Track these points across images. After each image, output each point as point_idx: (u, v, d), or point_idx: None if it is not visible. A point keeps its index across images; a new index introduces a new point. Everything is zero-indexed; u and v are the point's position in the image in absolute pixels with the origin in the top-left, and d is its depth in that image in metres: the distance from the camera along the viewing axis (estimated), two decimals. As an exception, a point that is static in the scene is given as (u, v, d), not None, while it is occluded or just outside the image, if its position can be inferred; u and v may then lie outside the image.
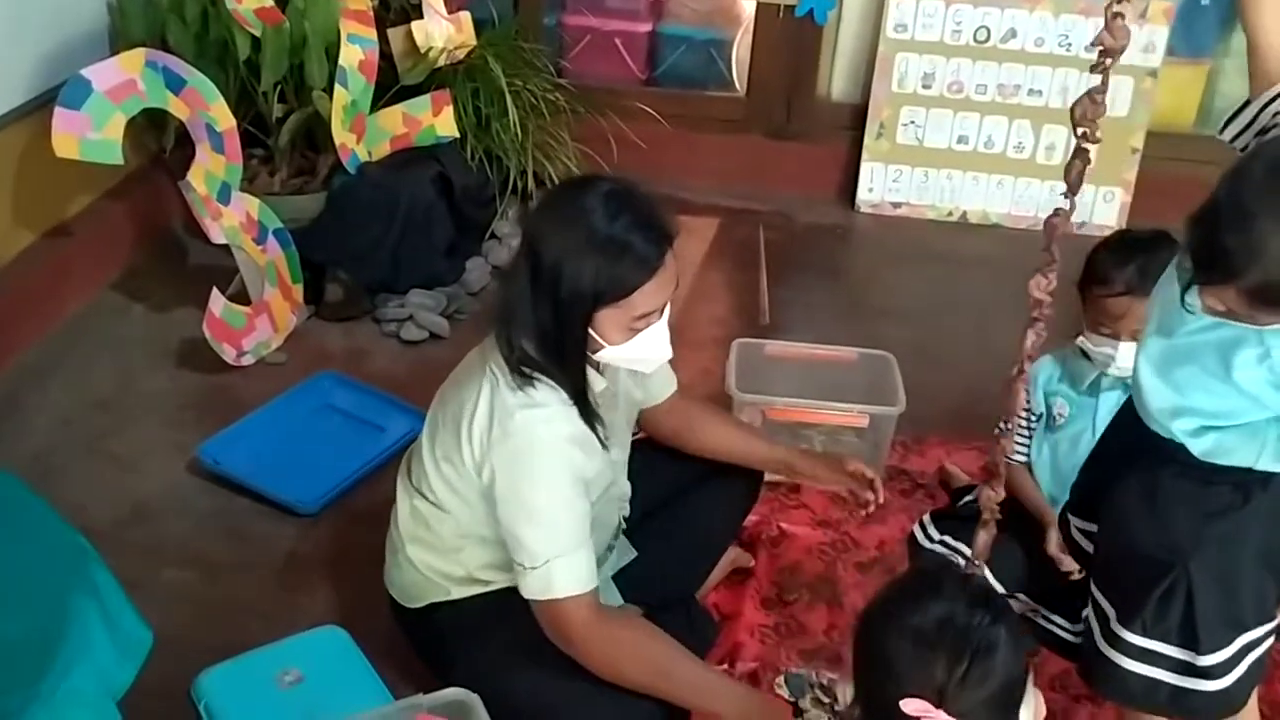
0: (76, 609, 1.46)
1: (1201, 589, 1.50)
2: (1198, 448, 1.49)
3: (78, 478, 2.42)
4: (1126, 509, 1.62)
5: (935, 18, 3.68)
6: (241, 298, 2.83)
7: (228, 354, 2.75)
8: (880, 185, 3.85)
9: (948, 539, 2.20)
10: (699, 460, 2.03)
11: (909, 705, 1.13)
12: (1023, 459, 2.17)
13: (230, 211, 2.79)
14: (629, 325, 1.64)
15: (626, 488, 1.92)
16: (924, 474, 2.57)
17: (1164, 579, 1.52)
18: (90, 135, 2.61)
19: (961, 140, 3.79)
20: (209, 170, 2.75)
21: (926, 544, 2.24)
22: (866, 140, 3.80)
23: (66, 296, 2.92)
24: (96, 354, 2.82)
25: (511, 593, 1.72)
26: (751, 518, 2.40)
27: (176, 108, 2.75)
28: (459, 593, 1.82)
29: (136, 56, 2.69)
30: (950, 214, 3.86)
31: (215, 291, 2.70)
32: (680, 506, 2.03)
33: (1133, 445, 1.60)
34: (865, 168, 3.83)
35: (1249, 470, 1.47)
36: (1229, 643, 1.52)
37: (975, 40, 3.70)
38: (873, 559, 2.34)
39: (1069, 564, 1.89)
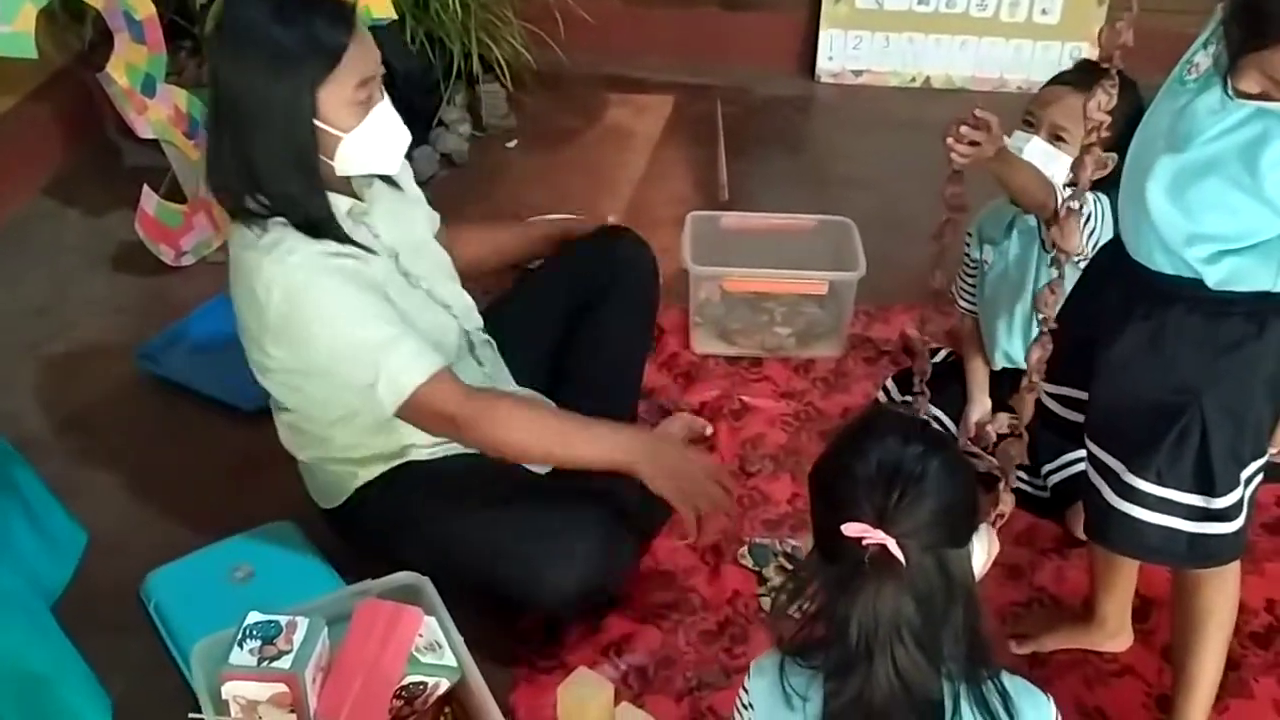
0: (-7, 511, 1.39)
1: (1215, 428, 1.46)
2: (1214, 276, 1.42)
3: (15, 386, 2.34)
4: (1128, 358, 1.55)
5: None
6: (177, 195, 2.71)
7: (166, 254, 2.64)
8: (840, 53, 3.72)
9: (909, 399, 2.18)
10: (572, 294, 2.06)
11: (850, 528, 1.13)
12: (968, 307, 2.15)
13: (156, 104, 2.65)
14: (353, 100, 1.62)
15: (475, 320, 1.93)
16: (888, 341, 2.51)
17: (1177, 422, 1.47)
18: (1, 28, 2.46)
19: (923, 1, 3.65)
20: (130, 62, 2.61)
21: (885, 404, 2.22)
22: (825, 6, 3.66)
23: (-6, 203, 2.80)
24: (30, 261, 2.71)
25: (413, 462, 1.74)
26: (712, 391, 2.36)
27: (93, -2, 2.60)
28: (365, 474, 1.80)
29: (43, -58, 2.53)
30: (913, 80, 3.73)
31: (146, 189, 2.59)
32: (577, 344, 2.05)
33: (1123, 298, 1.53)
34: (824, 35, 3.69)
35: (1264, 297, 1.42)
36: (1239, 481, 1.49)
37: (934, -107, 3.54)
38: (836, 427, 2.29)
39: (989, 437, 1.93)
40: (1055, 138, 1.90)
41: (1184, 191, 1.42)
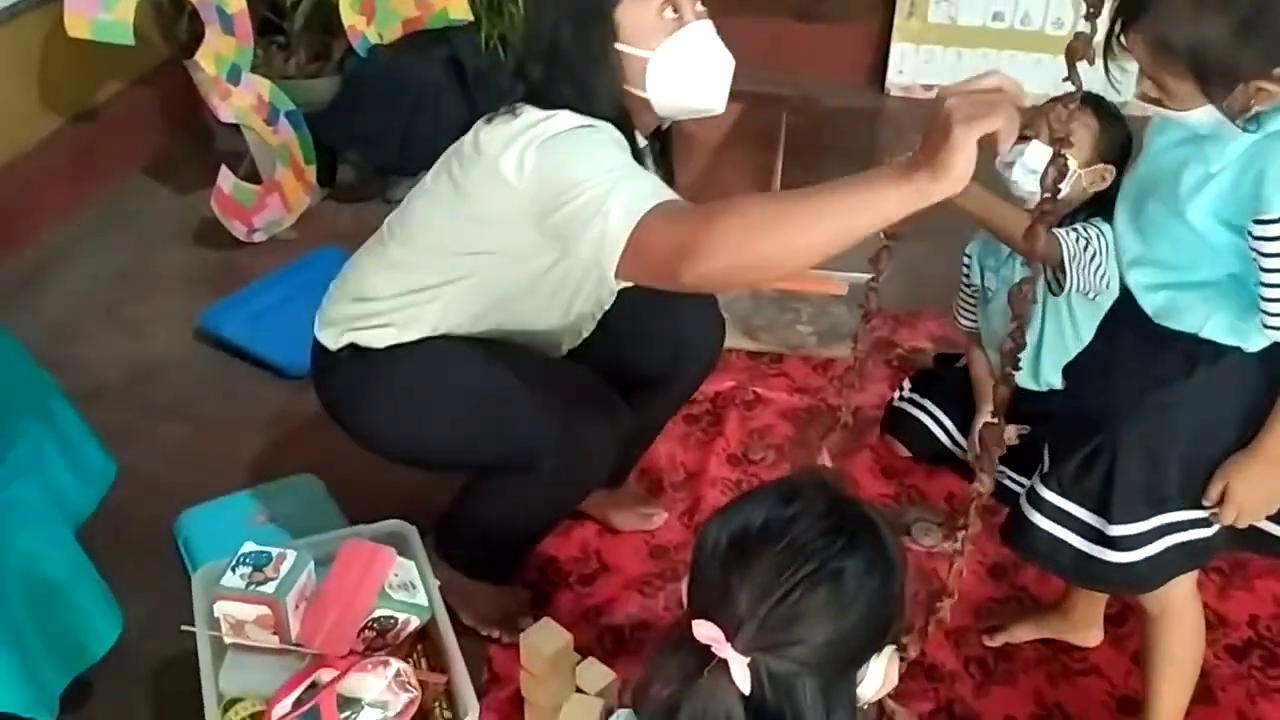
0: (26, 432, 1.56)
1: (1125, 455, 1.44)
2: (1150, 304, 1.42)
3: (92, 341, 2.57)
4: (1083, 367, 1.60)
5: (967, -112, 3.56)
6: (253, 177, 2.93)
7: (238, 230, 2.85)
8: (911, 67, 3.77)
9: (915, 395, 2.24)
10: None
11: (700, 628, 0.97)
12: (969, 325, 2.20)
13: (241, 92, 2.87)
14: (657, 16, 1.51)
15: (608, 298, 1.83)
16: (912, 346, 2.56)
17: (1092, 439, 1.47)
18: (101, 15, 2.70)
19: (997, 17, 3.68)
20: (218, 52, 2.83)
21: (896, 401, 2.28)
22: (897, 20, 3.71)
23: (94, 178, 3.06)
24: (120, 231, 2.96)
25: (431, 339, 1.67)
26: (728, 382, 2.44)
27: (187, -10, 2.84)
28: (400, 337, 1.68)
29: (147, -60, 2.77)
30: (984, 96, 3.75)
31: (224, 169, 2.80)
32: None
33: (1113, 310, 1.56)
34: (896, 49, 3.75)
35: (1199, 339, 1.39)
36: (1145, 518, 1.46)
37: (1009, -89, 3.56)
38: (844, 423, 2.35)
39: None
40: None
41: (1140, 209, 1.41)
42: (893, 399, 2.30)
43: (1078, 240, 1.91)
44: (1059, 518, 1.51)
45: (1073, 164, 1.91)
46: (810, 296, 2.56)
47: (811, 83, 3.75)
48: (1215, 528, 1.47)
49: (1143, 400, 1.44)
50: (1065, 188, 1.86)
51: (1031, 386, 2.10)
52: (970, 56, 3.72)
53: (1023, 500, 1.58)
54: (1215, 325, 1.38)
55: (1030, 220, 1.56)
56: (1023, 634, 1.87)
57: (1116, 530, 1.47)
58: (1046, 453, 1.62)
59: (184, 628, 1.57)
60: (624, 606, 1.94)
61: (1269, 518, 1.46)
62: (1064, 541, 1.51)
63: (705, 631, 0.96)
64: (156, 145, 3.27)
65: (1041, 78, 3.64)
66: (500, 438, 1.70)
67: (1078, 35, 1.36)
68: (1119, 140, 1.95)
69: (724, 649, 0.96)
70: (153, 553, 1.99)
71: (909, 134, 3.54)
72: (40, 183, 2.89)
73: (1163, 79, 1.26)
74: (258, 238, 2.90)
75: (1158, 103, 1.28)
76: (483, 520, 1.81)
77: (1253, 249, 1.28)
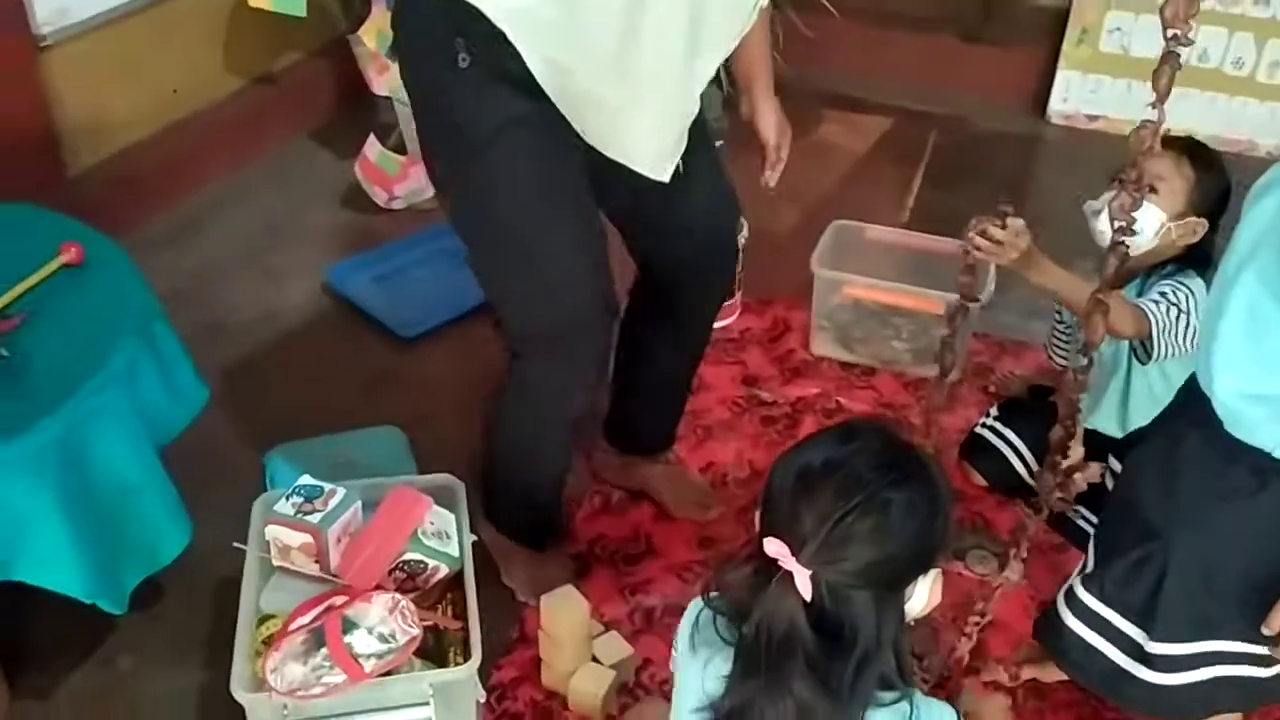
0: (124, 347, 1.73)
1: (1177, 568, 1.36)
2: (1225, 409, 1.32)
3: (231, 283, 2.79)
4: (1145, 460, 1.51)
5: (1153, -85, 3.42)
6: (401, 149, 3.10)
7: (378, 196, 3.03)
8: (1077, 95, 3.65)
9: (999, 424, 2.20)
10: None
11: (770, 545, 1.12)
12: (1061, 361, 2.16)
13: (396, 68, 3.04)
14: None
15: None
16: (1007, 372, 2.51)
17: (1142, 544, 1.40)
18: (280, -12, 2.93)
19: (1172, 52, 3.52)
20: (381, 29, 3.01)
21: (979, 427, 2.24)
22: (1065, 46, 3.60)
23: (264, 137, 3.29)
24: (277, 188, 3.18)
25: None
26: (813, 389, 2.45)
27: (360, -30, 3.04)
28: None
29: (327, -78, 2.98)
30: (1152, 131, 3.60)
31: (372, 138, 2.99)
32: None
33: (1186, 395, 1.46)
34: (1061, 75, 3.63)
35: (1270, 457, 1.30)
36: (1189, 639, 1.38)
37: (1197, -58, 3.40)
38: (921, 441, 2.32)
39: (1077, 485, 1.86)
40: (1149, 189, 1.85)
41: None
42: (976, 425, 2.26)
43: (1169, 310, 1.80)
44: (1096, 624, 1.44)
45: (1162, 216, 1.84)
46: (915, 314, 2.54)
47: (969, 104, 3.69)
48: (1276, 669, 1.37)
49: (1203, 513, 1.35)
50: (1151, 241, 1.80)
51: (1117, 434, 2.03)
52: (1141, 89, 3.54)
53: (1059, 599, 1.51)
54: None
55: (1087, 305, 1.52)
56: (1054, 674, 1.82)
57: (1157, 648, 1.39)
58: (1091, 549, 1.55)
59: (236, 544, 1.70)
60: (661, 588, 1.98)
61: None
62: (1098, 651, 1.44)
63: (774, 547, 1.12)
64: (325, 112, 3.49)
65: (1214, 118, 3.52)
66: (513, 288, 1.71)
67: (1144, 124, 1.34)
68: (1214, 193, 1.87)
69: (790, 562, 1.11)
70: (242, 481, 2.15)
71: (1059, 164, 3.43)
72: (215, 138, 3.15)
73: None
74: (397, 205, 3.07)
75: None
76: (498, 464, 1.91)
77: None
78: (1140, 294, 1.89)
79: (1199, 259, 1.89)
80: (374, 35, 3.01)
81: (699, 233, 1.87)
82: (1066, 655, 1.48)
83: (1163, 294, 1.83)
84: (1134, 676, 1.41)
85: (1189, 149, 1.87)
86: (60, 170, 2.74)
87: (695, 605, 1.29)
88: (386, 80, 3.02)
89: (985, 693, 1.75)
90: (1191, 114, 3.53)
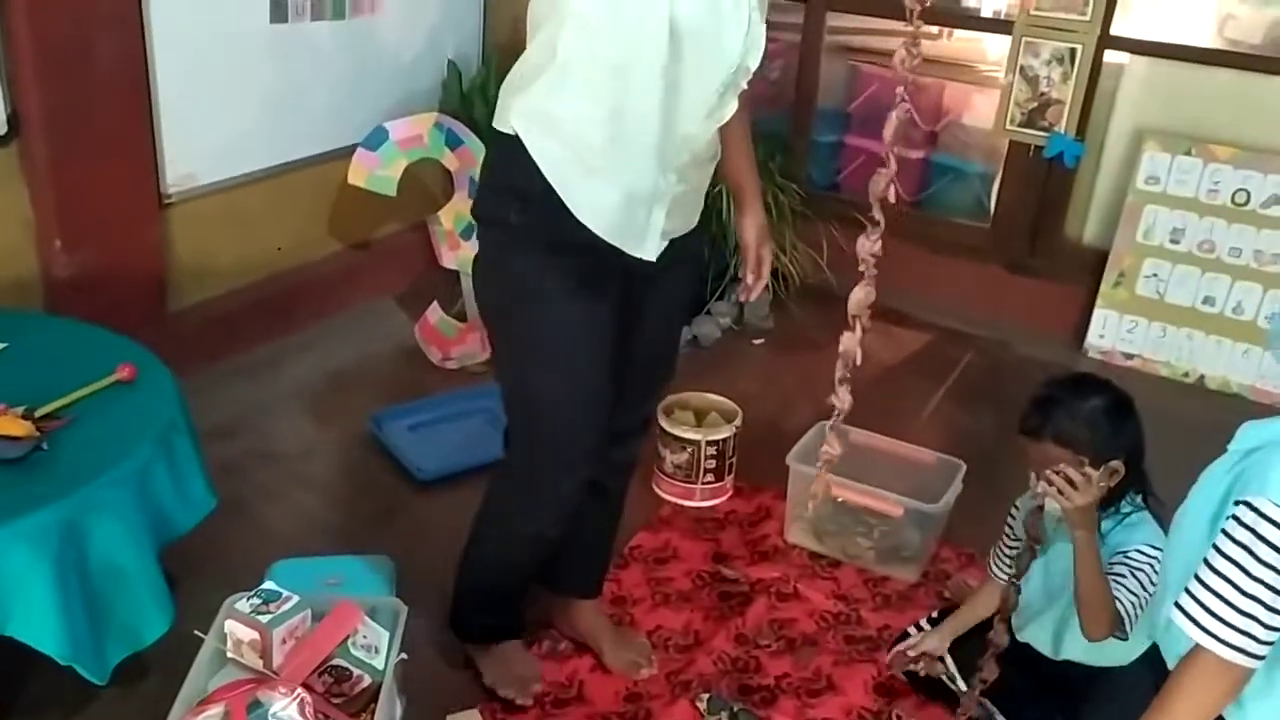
0: (139, 454, 2.05)
1: None
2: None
3: (288, 418, 3.15)
4: None
5: (1191, 174, 3.62)
6: (462, 316, 3.47)
7: (434, 355, 3.39)
8: (1113, 333, 3.79)
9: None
10: None
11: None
12: (1000, 576, 2.20)
13: (469, 247, 3.44)
14: None
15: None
16: (960, 582, 2.61)
17: None
18: (377, 171, 3.38)
19: (1208, 301, 3.65)
20: (459, 211, 3.43)
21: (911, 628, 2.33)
22: (1103, 287, 3.77)
23: (352, 296, 3.72)
24: (353, 341, 3.58)
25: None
26: (774, 572, 2.60)
27: (449, 161, 3.48)
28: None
29: (428, 118, 3.45)
30: (1186, 375, 3.70)
31: (435, 305, 3.37)
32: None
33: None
34: (1099, 313, 3.79)
35: None
36: None
37: (1233, 202, 3.57)
38: (865, 636, 2.44)
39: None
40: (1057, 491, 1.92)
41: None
42: (908, 629, 2.36)
43: (1135, 606, 1.91)
44: None
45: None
46: (888, 517, 2.68)
47: (1010, 330, 3.86)
48: None
49: None
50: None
51: (1050, 655, 2.12)
52: (1175, 335, 3.69)
53: None
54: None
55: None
56: None
57: None
58: None
59: (196, 632, 1.97)
60: (576, 732, 2.14)
61: None
62: None
63: None
64: (410, 279, 3.91)
65: (1248, 368, 3.60)
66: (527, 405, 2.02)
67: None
68: (1125, 441, 1.97)
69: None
70: (242, 585, 2.43)
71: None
72: (307, 292, 3.58)
73: None
74: (450, 365, 3.42)
75: None
76: (468, 572, 2.19)
77: None
78: (1103, 540, 1.96)
79: (1136, 480, 2.01)
80: (451, 216, 3.42)
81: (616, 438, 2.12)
82: None
83: (1134, 576, 1.94)
84: None
85: (1097, 405, 1.96)
86: (162, 306, 3.17)
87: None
88: (456, 256, 3.41)
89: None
90: (1224, 361, 3.63)
